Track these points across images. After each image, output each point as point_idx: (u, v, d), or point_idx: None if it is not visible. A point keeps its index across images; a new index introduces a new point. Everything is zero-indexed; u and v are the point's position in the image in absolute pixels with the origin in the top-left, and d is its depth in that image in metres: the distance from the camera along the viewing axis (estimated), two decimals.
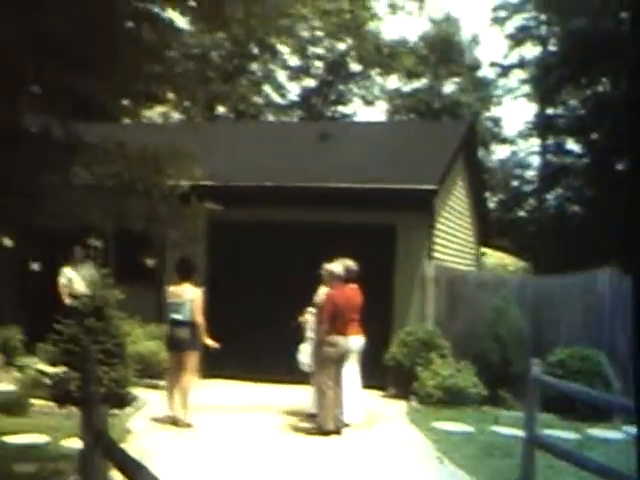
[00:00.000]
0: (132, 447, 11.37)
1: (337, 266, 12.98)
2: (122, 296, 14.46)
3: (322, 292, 13.20)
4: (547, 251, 38.07)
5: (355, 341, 13.27)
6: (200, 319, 13.09)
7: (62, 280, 16.80)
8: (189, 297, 13.13)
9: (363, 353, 13.83)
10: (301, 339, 13.69)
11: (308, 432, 12.75)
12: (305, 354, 13.45)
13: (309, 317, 13.49)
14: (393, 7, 35.56)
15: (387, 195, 16.50)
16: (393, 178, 16.76)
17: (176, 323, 13.24)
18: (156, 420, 13.31)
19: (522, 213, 46.89)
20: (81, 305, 13.94)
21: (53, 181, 8.13)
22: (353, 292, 13.41)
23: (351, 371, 13.29)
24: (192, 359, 13.19)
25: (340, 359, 12.76)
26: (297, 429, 13.00)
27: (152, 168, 8.58)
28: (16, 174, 7.93)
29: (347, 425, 12.99)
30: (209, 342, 13.18)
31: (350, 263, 13.69)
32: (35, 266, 17.91)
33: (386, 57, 44.82)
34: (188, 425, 12.97)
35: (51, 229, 9.71)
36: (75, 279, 16.63)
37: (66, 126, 8.24)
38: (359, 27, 44.21)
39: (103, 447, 6.26)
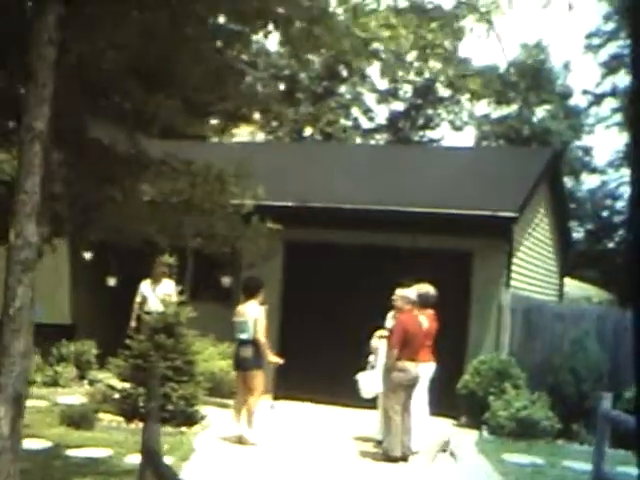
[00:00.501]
0: (194, 465, 11.40)
1: (409, 291, 12.82)
2: (194, 314, 14.47)
3: (392, 317, 13.05)
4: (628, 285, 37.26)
5: (426, 368, 13.07)
6: (262, 337, 13.00)
7: (137, 298, 16.74)
8: (252, 315, 13.10)
9: (436, 380, 13.63)
10: (365, 364, 13.55)
11: (375, 458, 12.58)
12: (365, 381, 13.28)
13: (379, 342, 13.32)
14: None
15: (465, 221, 16.27)
16: (473, 204, 16.53)
17: (241, 342, 13.25)
18: (223, 439, 13.26)
19: (611, 244, 46.06)
20: (153, 321, 13.96)
21: (115, 195, 8.13)
22: (426, 318, 13.24)
23: (420, 398, 13.09)
24: (256, 378, 13.12)
25: (409, 385, 12.57)
26: (364, 454, 12.84)
27: (215, 187, 8.54)
28: (81, 186, 7.96)
29: (414, 452, 12.79)
30: (273, 359, 13.08)
31: (429, 288, 13.57)
32: (112, 281, 18.05)
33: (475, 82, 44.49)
34: (253, 444, 12.90)
35: (126, 244, 9.78)
36: (151, 296, 16.50)
37: (133, 140, 8.25)
38: (449, 53, 44.06)
39: (153, 465, 6.20)
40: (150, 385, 8.45)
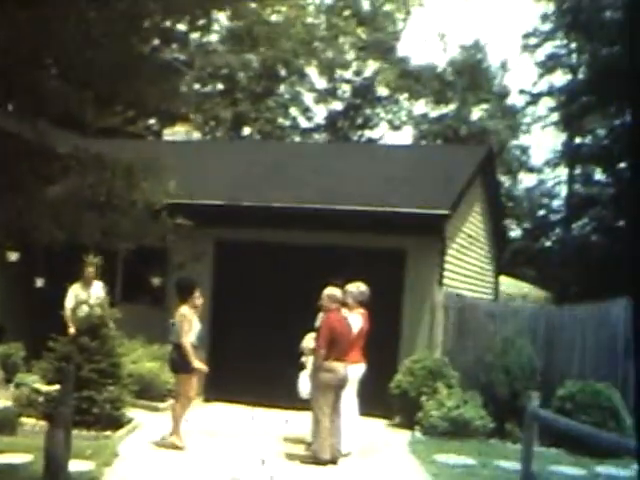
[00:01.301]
0: (115, 471, 11.10)
1: (335, 290, 12.60)
2: (119, 315, 14.15)
3: (321, 317, 12.85)
4: (570, 281, 37.54)
5: (355, 368, 12.86)
6: (185, 341, 12.68)
7: (68, 304, 15.90)
8: (179, 318, 12.82)
9: (369, 380, 13.44)
10: (302, 365, 13.32)
11: (303, 460, 12.34)
12: (304, 382, 13.06)
13: (309, 343, 13.09)
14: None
15: (398, 219, 16.12)
16: (405, 202, 16.39)
17: (173, 345, 12.97)
18: (151, 443, 12.97)
19: (548, 243, 46.33)
20: (77, 323, 13.61)
21: (12, 190, 7.82)
22: (357, 317, 13.06)
23: (349, 399, 12.88)
24: (183, 381, 12.84)
25: (338, 386, 12.35)
26: (292, 457, 12.59)
27: (122, 182, 8.28)
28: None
29: (344, 455, 12.58)
30: (197, 365, 12.74)
31: (360, 287, 13.37)
32: (40, 282, 17.66)
33: (414, 82, 44.60)
34: (177, 448, 12.64)
35: (52, 244, 9.49)
36: (82, 299, 15.71)
37: (37, 132, 7.97)
38: (387, 51, 44.12)
39: (51, 472, 5.92)
40: (62, 388, 8.14)
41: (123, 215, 8.34)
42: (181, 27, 10.90)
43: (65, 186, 8.17)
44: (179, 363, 12.76)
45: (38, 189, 7.93)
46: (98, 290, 15.93)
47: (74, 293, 15.91)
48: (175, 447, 12.67)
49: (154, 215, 9.06)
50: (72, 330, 15.20)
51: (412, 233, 16.24)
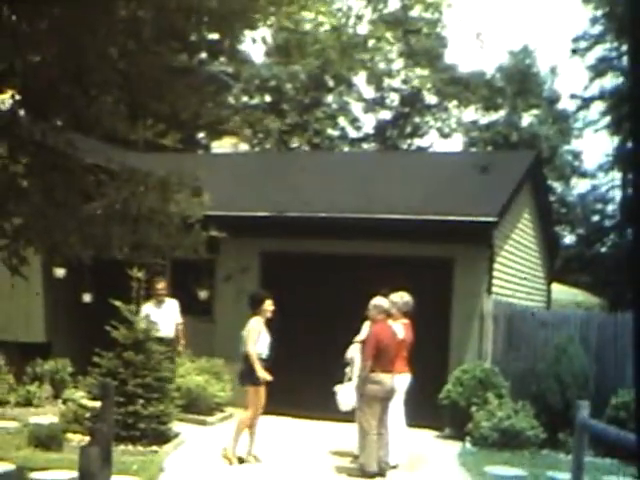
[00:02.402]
0: None
1: (382, 300, 12.42)
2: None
3: (367, 327, 12.67)
4: (625, 288, 36.98)
5: (401, 379, 12.67)
6: (251, 352, 12.51)
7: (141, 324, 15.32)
8: (247, 329, 12.68)
9: (418, 391, 13.26)
10: (343, 376, 13.15)
11: (350, 474, 12.16)
12: (344, 393, 12.88)
13: (354, 353, 12.92)
14: None
15: (445, 227, 15.91)
16: (453, 209, 16.17)
17: (241, 357, 12.83)
18: (197, 458, 12.87)
19: (603, 249, 45.75)
20: (121, 337, 13.54)
21: (44, 204, 7.75)
22: (402, 327, 12.88)
23: (396, 410, 12.69)
24: (251, 393, 12.70)
25: (385, 398, 12.16)
26: (340, 469, 12.43)
27: (154, 195, 8.19)
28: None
29: (392, 467, 12.39)
30: (261, 374, 12.52)
31: (405, 296, 13.20)
32: (87, 297, 17.65)
33: (463, 89, 44.35)
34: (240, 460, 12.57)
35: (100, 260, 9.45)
36: (158, 320, 15.21)
37: (68, 144, 7.91)
38: (434, 58, 43.90)
39: None
40: (103, 404, 8.05)
41: (155, 228, 8.25)
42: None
43: (98, 201, 8.11)
44: (246, 374, 12.63)
45: (72, 204, 7.87)
46: (173, 309, 15.87)
47: (147, 313, 15.22)
48: (227, 458, 12.57)
49: (188, 228, 8.96)
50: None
51: (460, 241, 16.02)
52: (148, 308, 15.45)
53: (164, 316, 15.59)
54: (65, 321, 18.17)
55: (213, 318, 17.47)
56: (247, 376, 12.63)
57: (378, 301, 12.40)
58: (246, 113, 38.08)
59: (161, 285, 15.91)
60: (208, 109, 10.06)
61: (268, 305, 12.92)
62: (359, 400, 12.31)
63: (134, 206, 8.12)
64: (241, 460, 12.63)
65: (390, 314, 12.60)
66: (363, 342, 12.45)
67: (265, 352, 12.69)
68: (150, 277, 15.46)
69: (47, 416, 14.87)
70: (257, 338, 12.57)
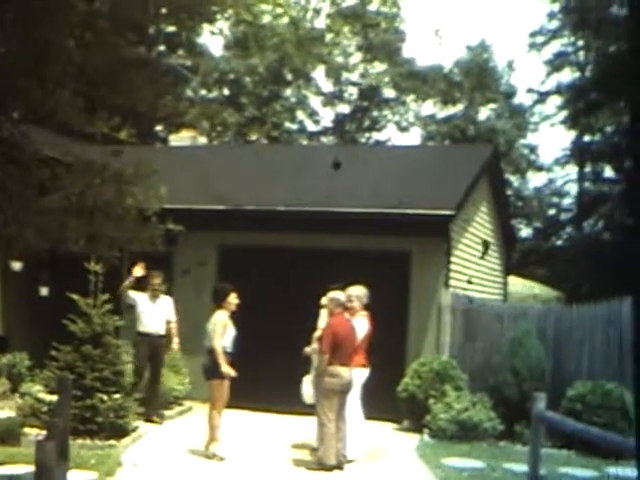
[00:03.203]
0: None
1: (339, 293, 12.44)
2: (121, 322, 14.04)
3: (323, 321, 12.69)
4: (582, 280, 37.26)
5: (359, 373, 12.69)
6: (216, 346, 12.47)
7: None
8: (211, 323, 12.64)
9: (376, 384, 13.28)
10: (306, 370, 13.16)
11: (308, 467, 12.17)
12: (307, 386, 12.90)
13: (314, 347, 12.93)
14: None
15: (402, 220, 15.95)
16: (409, 203, 16.21)
17: (205, 350, 12.78)
18: (154, 451, 12.84)
19: (559, 242, 46.08)
20: (78, 331, 13.46)
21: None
22: (360, 320, 12.89)
23: (353, 403, 12.71)
24: (216, 387, 12.65)
25: (343, 391, 12.18)
26: (299, 463, 12.43)
27: (111, 188, 8.15)
28: None
29: (350, 460, 12.42)
30: (225, 369, 12.44)
31: (362, 290, 13.22)
32: (44, 291, 17.54)
33: (420, 83, 44.50)
34: (217, 458, 12.55)
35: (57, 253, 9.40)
36: (150, 314, 15.28)
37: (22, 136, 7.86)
38: (392, 52, 43.99)
39: None
40: (58, 398, 8.00)
41: (111, 221, 8.21)
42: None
43: (53, 193, 8.06)
44: (211, 368, 12.57)
45: (27, 196, 7.81)
46: (167, 306, 15.60)
47: (139, 305, 15.36)
48: (216, 457, 12.50)
49: (144, 221, 8.92)
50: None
51: (417, 234, 16.09)
52: (142, 300, 15.34)
53: (157, 312, 15.35)
54: (22, 314, 18.05)
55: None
56: (212, 370, 12.58)
57: (335, 294, 12.43)
58: (204, 106, 37.95)
59: (158, 280, 15.50)
60: (165, 102, 10.03)
61: (233, 298, 12.89)
62: (317, 393, 12.33)
63: (90, 199, 8.07)
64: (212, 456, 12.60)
65: (347, 307, 12.63)
66: (320, 336, 12.47)
67: (230, 346, 12.66)
68: (147, 271, 15.31)
69: (4, 410, 14.75)
70: (222, 332, 12.54)
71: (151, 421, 14.84)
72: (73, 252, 9.26)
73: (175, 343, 15.54)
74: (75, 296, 13.62)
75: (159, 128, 39.75)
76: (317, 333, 12.89)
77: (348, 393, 12.32)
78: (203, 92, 42.81)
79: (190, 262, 16.97)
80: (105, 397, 13.12)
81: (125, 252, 13.99)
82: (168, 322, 15.46)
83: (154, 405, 15.16)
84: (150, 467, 11.91)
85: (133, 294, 15.35)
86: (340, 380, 12.08)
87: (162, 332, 15.35)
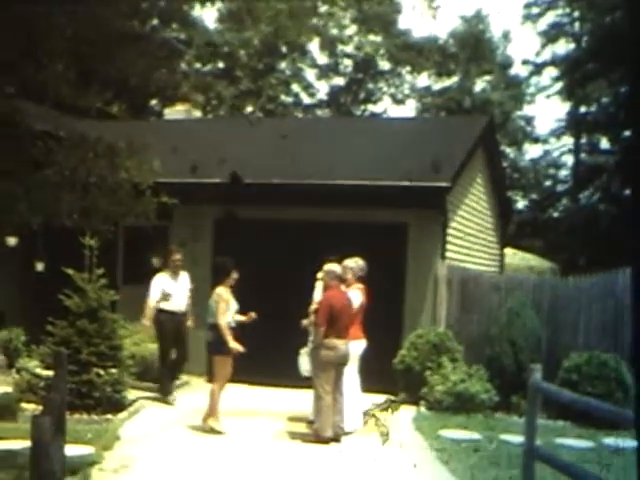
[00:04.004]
0: (116, 455, 10.97)
1: (334, 266, 12.43)
2: (117, 297, 14.02)
3: (319, 294, 12.69)
4: (578, 252, 37.30)
5: (356, 345, 12.70)
6: (221, 321, 12.46)
7: (153, 294, 14.85)
8: (215, 298, 12.60)
9: (372, 356, 13.30)
10: (303, 343, 13.16)
11: (305, 439, 12.19)
12: (304, 359, 12.90)
13: (311, 320, 12.91)
14: None
15: (399, 192, 15.92)
16: (406, 175, 16.17)
17: (209, 326, 12.76)
18: (152, 425, 12.85)
19: (555, 213, 46.08)
20: (74, 306, 13.44)
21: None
22: (356, 293, 12.89)
23: (351, 376, 12.73)
24: (217, 364, 12.68)
25: (339, 363, 12.19)
26: (295, 436, 12.45)
27: (104, 162, 8.12)
28: None
29: (348, 432, 12.44)
30: (233, 345, 12.43)
31: (358, 262, 13.21)
32: (40, 266, 17.51)
33: (416, 55, 44.36)
34: (217, 432, 12.52)
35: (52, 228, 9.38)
36: (175, 292, 14.91)
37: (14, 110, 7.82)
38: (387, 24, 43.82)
39: (35, 459, 5.78)
40: (54, 374, 8.00)
41: (104, 195, 8.19)
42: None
43: (46, 168, 8.03)
44: (215, 344, 12.55)
45: (21, 171, 7.78)
46: (186, 283, 15.22)
47: (160, 284, 14.93)
48: (214, 431, 12.50)
49: (138, 194, 8.90)
50: (147, 323, 14.84)
51: (413, 206, 16.06)
52: (162, 279, 14.96)
53: (179, 289, 15.02)
54: (18, 290, 18.06)
55: None
56: (216, 346, 12.56)
57: (331, 267, 12.41)
58: (197, 79, 37.83)
59: (178, 256, 15.11)
60: (159, 75, 9.99)
61: (234, 274, 12.88)
62: (313, 366, 12.33)
63: (83, 173, 8.05)
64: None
65: (343, 280, 12.63)
66: (316, 309, 12.46)
67: (233, 321, 12.66)
68: (167, 247, 15.31)
69: (1, 386, 14.76)
70: (226, 308, 12.53)
71: (166, 402, 14.68)
72: (68, 226, 9.26)
73: (190, 320, 15.19)
74: (70, 271, 13.57)
75: (154, 102, 39.61)
76: (313, 306, 12.89)
77: (345, 365, 12.32)
78: (198, 65, 42.64)
79: (185, 236, 16.97)
80: (101, 372, 13.13)
81: (120, 226, 14.05)
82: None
83: (170, 387, 14.93)
84: (148, 442, 11.93)
85: (158, 278, 15.01)
86: (336, 353, 12.09)
87: (184, 309, 15.05)
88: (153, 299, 14.78)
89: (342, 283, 12.59)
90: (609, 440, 12.86)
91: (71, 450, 9.75)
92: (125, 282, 17.58)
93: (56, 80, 7.82)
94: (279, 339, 15.46)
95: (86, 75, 8.53)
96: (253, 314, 12.75)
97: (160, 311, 14.80)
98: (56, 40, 7.98)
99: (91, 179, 8.16)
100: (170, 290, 14.77)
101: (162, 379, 14.88)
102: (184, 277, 15.25)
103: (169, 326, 14.80)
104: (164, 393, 14.73)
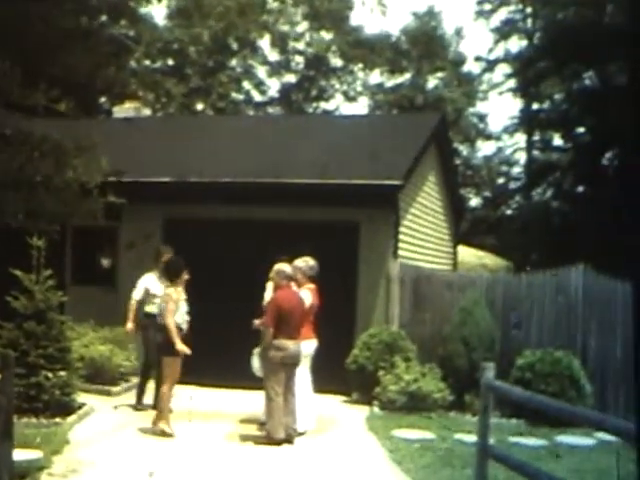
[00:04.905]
0: (65, 459, 10.78)
1: (285, 266, 12.30)
2: (65, 298, 13.75)
3: (269, 294, 12.56)
4: (531, 249, 37.45)
5: (307, 345, 12.56)
6: (169, 322, 12.25)
7: (136, 295, 14.38)
8: (164, 299, 12.40)
9: (325, 356, 13.18)
10: (256, 344, 13.00)
11: (256, 441, 12.03)
12: (257, 359, 12.75)
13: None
14: None
15: (350, 191, 15.81)
16: (357, 173, 16.08)
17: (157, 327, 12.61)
18: (102, 428, 12.65)
19: (508, 211, 46.27)
20: (21, 307, 13.18)
21: None
22: (307, 292, 12.76)
23: (302, 376, 12.58)
24: (168, 364, 12.42)
25: (290, 364, 12.04)
26: (247, 438, 12.29)
27: (50, 161, 7.93)
28: None
29: (301, 433, 12.31)
30: (180, 347, 12.19)
31: (310, 261, 13.08)
32: None
33: (368, 51, 44.30)
34: (167, 435, 12.32)
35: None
36: (154, 293, 14.12)
37: None
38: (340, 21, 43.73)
39: None
40: (2, 377, 7.80)
41: (51, 195, 7.99)
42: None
43: None
44: (164, 346, 12.35)
45: None
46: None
47: (145, 284, 14.37)
48: (164, 434, 12.29)
49: (85, 194, 8.71)
50: (130, 326, 14.35)
51: (365, 205, 15.94)
52: (149, 279, 14.41)
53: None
54: None
55: (116, 287, 17.05)
56: (165, 348, 12.37)
57: (281, 267, 12.28)
58: (145, 76, 37.50)
59: (167, 257, 14.20)
60: (107, 72, 9.81)
61: (185, 274, 12.69)
62: (263, 367, 12.18)
63: (29, 172, 7.85)
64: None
65: (294, 279, 12.50)
66: (264, 309, 12.34)
67: (183, 323, 12.46)
68: (157, 247, 14.82)
69: None
70: (175, 309, 12.33)
71: (140, 409, 14.16)
72: (14, 227, 9.04)
73: None
74: (17, 272, 13.30)
75: (103, 100, 39.22)
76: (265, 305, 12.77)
77: (297, 366, 12.18)
78: (147, 62, 42.29)
79: (135, 236, 16.76)
80: (50, 374, 12.87)
81: (68, 226, 13.82)
82: None
83: (143, 393, 14.43)
84: (97, 445, 11.73)
85: (146, 278, 14.47)
86: (286, 353, 11.93)
87: None
88: (135, 298, 14.33)
89: (293, 283, 12.45)
90: (562, 438, 12.85)
91: (19, 454, 9.57)
92: (74, 283, 17.28)
93: (1, 78, 7.62)
94: (230, 340, 15.29)
95: (33, 72, 8.32)
96: (187, 351, 12.43)
97: (146, 315, 14.18)
98: (1, 37, 7.78)
99: (37, 178, 7.96)
100: (155, 291, 14.11)
101: (141, 388, 14.43)
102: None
103: (151, 329, 13.82)
104: (140, 401, 14.35)
